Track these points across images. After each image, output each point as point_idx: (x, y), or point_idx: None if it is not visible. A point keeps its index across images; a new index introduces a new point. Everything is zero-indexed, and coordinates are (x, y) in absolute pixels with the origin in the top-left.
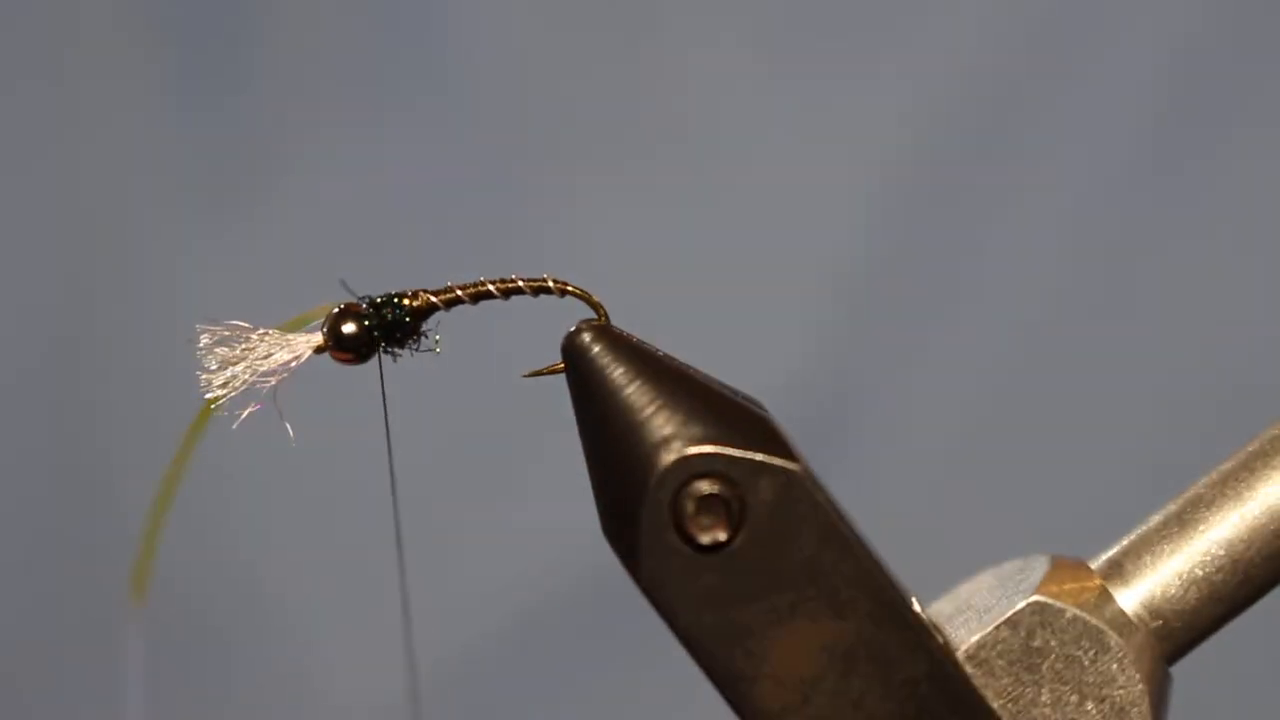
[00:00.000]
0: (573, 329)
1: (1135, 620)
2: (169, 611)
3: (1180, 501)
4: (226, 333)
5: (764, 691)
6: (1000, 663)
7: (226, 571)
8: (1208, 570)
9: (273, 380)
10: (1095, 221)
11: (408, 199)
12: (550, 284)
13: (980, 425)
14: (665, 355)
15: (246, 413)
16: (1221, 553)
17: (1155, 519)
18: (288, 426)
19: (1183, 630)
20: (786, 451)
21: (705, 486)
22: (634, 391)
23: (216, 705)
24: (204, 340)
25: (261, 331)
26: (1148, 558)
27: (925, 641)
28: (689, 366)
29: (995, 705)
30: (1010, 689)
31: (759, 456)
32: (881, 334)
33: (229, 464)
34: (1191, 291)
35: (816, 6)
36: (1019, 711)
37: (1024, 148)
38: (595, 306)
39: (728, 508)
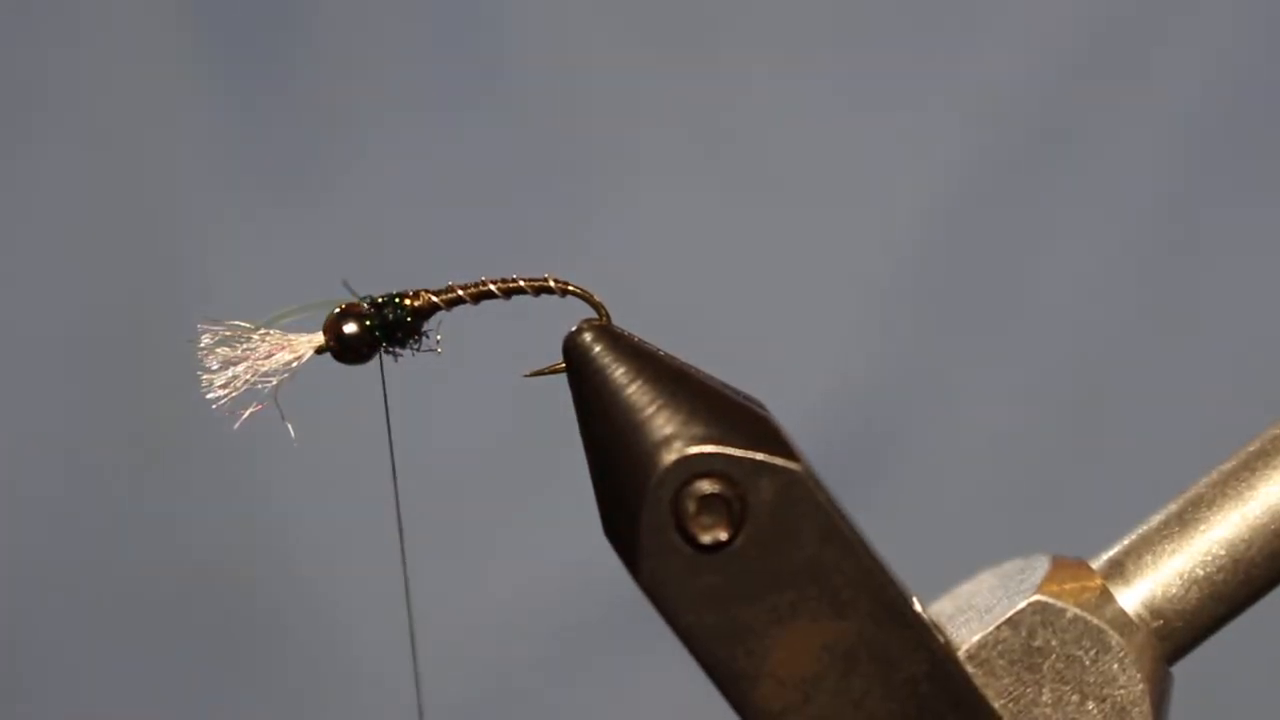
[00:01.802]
0: (574, 328)
1: (1136, 620)
2: (215, 601)
3: (1181, 501)
4: (228, 333)
5: (765, 691)
6: (1001, 662)
7: (273, 560)
8: (1209, 570)
9: (274, 380)
10: (1151, 238)
11: (460, 191)
12: (551, 283)
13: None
14: (666, 355)
15: (248, 413)
16: (1222, 552)
17: (1156, 518)
18: (289, 427)
19: (1184, 630)
20: (787, 451)
21: (706, 486)
22: (635, 391)
23: (265, 691)
24: (205, 340)
25: (263, 331)
26: (1149, 557)
27: (926, 641)
28: (690, 366)
29: (996, 705)
30: (1011, 688)
31: (760, 456)
32: (932, 346)
33: (271, 451)
34: (1242, 302)
35: (874, 14)
36: (1020, 711)
37: (1083, 159)
38: (596, 306)
39: (729, 507)
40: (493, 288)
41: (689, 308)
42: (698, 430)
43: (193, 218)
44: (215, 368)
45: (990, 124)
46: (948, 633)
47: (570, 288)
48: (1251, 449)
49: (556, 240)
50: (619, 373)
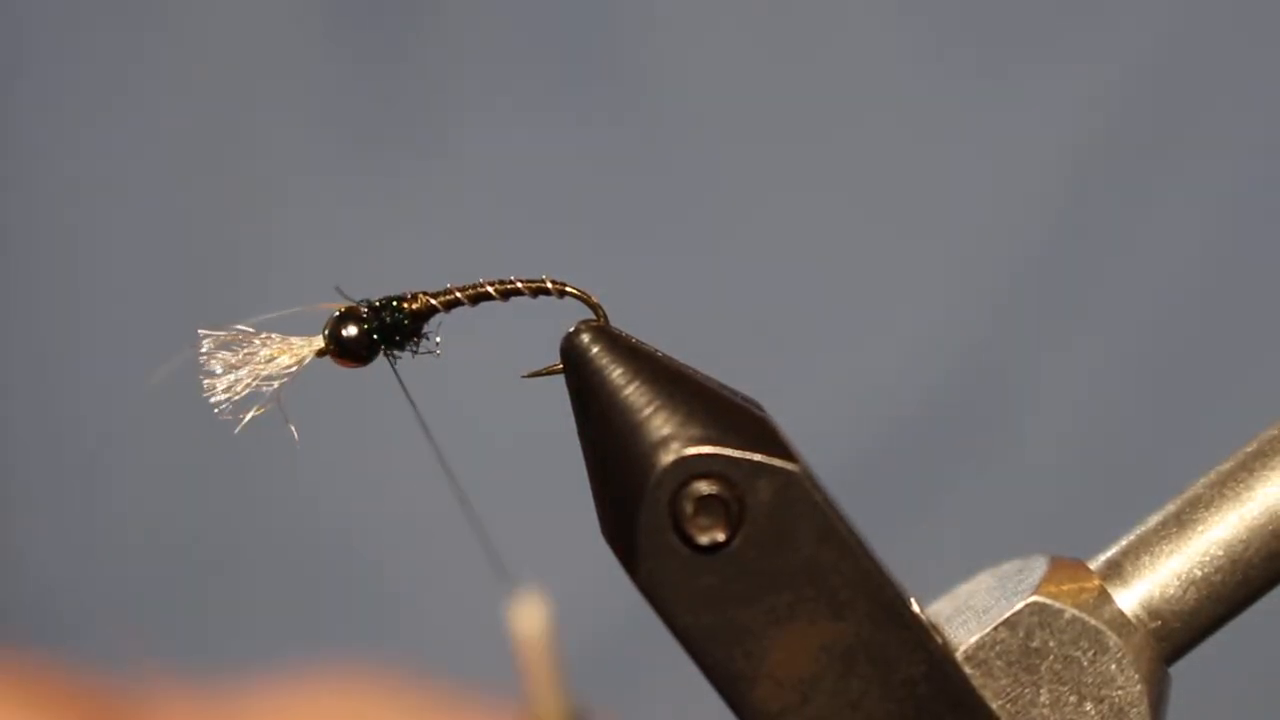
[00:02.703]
0: (571, 329)
1: (1134, 621)
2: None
3: (1179, 502)
4: (229, 337)
5: (763, 692)
6: (999, 663)
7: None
8: (1207, 571)
9: (275, 384)
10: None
11: (561, 177)
12: (549, 285)
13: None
14: (664, 356)
15: (250, 416)
16: (1220, 553)
17: (1154, 519)
18: (292, 430)
19: (1182, 631)
20: (785, 452)
21: (704, 487)
22: (632, 392)
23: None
24: (206, 345)
25: (264, 336)
26: (1146, 558)
27: (924, 642)
28: (688, 367)
29: (994, 706)
30: (1009, 689)
31: (758, 457)
32: (1023, 339)
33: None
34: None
35: (972, 12)
36: (1018, 712)
37: (1177, 153)
38: (594, 307)
39: (726, 508)
40: (490, 289)
41: (776, 300)
42: (695, 431)
43: (297, 177)
44: (217, 372)
45: (1106, 103)
46: (946, 634)
47: (568, 289)
48: (1249, 450)
49: (665, 235)
50: (616, 374)
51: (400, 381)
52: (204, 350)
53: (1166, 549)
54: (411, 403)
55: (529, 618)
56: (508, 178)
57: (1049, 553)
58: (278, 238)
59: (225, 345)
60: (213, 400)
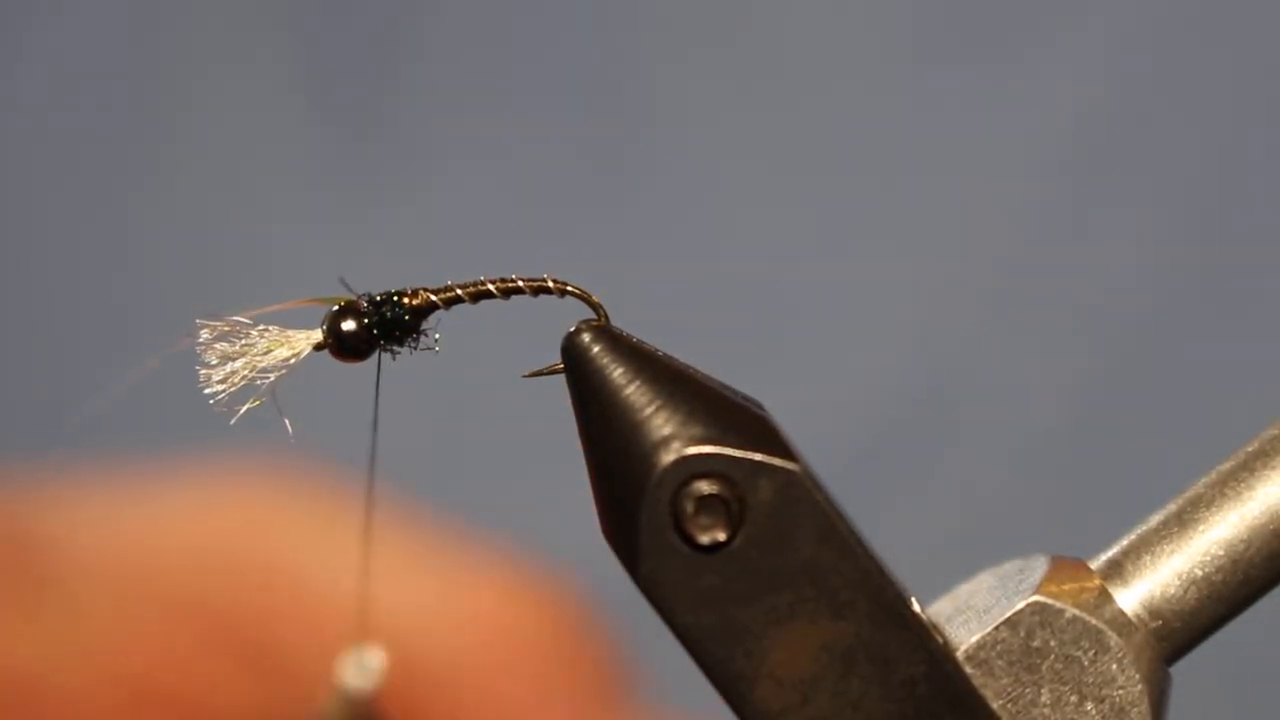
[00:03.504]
0: (572, 329)
1: (1135, 620)
2: None
3: (1180, 501)
4: (226, 328)
5: (763, 692)
6: (1000, 663)
7: None
8: (1207, 570)
9: (272, 376)
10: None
11: (531, 197)
12: (550, 284)
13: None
14: (665, 355)
15: (245, 408)
16: (1221, 553)
17: (1155, 519)
18: (287, 423)
19: (1182, 630)
20: (786, 451)
21: (705, 486)
22: (633, 391)
23: None
24: (204, 335)
25: (261, 327)
26: (1147, 558)
27: (925, 642)
28: (688, 366)
29: (995, 705)
30: (1010, 689)
31: (758, 456)
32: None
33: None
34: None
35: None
36: (1018, 712)
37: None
38: (595, 306)
39: (727, 508)
40: (491, 287)
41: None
42: (696, 430)
43: (274, 206)
44: (214, 363)
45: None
46: (946, 633)
47: (569, 288)
48: (1250, 449)
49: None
50: (617, 373)
51: (378, 377)
52: (201, 340)
53: (1167, 548)
54: (377, 400)
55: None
56: (493, 178)
57: (1049, 552)
58: (256, 247)
59: (223, 336)
60: (208, 391)
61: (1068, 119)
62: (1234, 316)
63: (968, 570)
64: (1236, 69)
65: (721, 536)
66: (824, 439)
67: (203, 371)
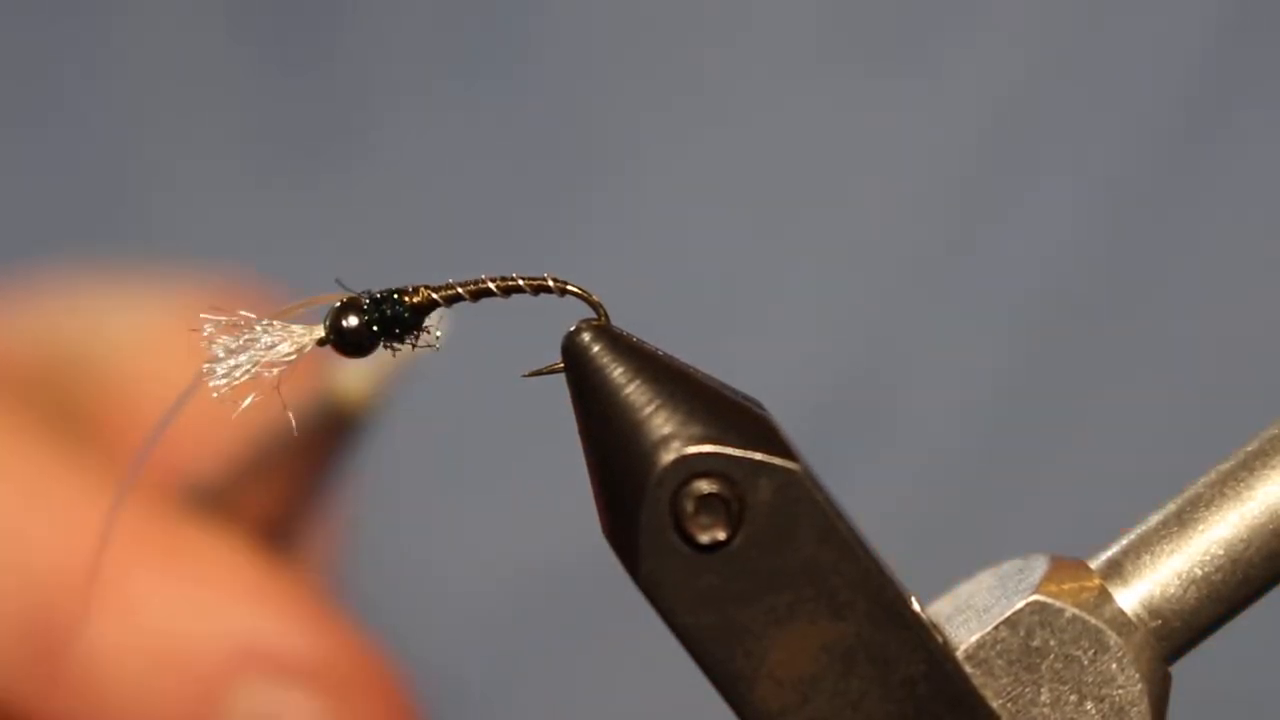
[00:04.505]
0: (572, 328)
1: (1134, 620)
2: None
3: (1179, 501)
4: (231, 322)
5: (763, 692)
6: (1000, 662)
7: None
8: (1207, 570)
9: (275, 371)
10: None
11: (475, 178)
12: (550, 283)
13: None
14: (665, 355)
15: (247, 402)
16: (1221, 552)
17: (1154, 518)
18: (290, 416)
19: (1182, 630)
20: (786, 451)
21: (705, 486)
22: (633, 391)
23: None
24: (208, 329)
25: (266, 322)
26: (1147, 557)
27: (924, 641)
28: (688, 366)
29: (995, 705)
30: (1009, 689)
31: (758, 456)
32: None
33: None
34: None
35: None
36: (1018, 711)
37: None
38: (595, 306)
39: (727, 507)
40: (491, 286)
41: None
42: (696, 430)
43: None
44: (218, 356)
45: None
46: (946, 633)
47: (569, 287)
48: (1250, 449)
49: (572, 237)
50: (617, 372)
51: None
52: (206, 333)
53: (1167, 548)
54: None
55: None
56: (433, 175)
57: (1049, 551)
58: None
59: (227, 330)
60: (211, 384)
61: (981, 116)
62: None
63: (953, 566)
64: (1153, 52)
65: (721, 536)
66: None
67: (206, 365)
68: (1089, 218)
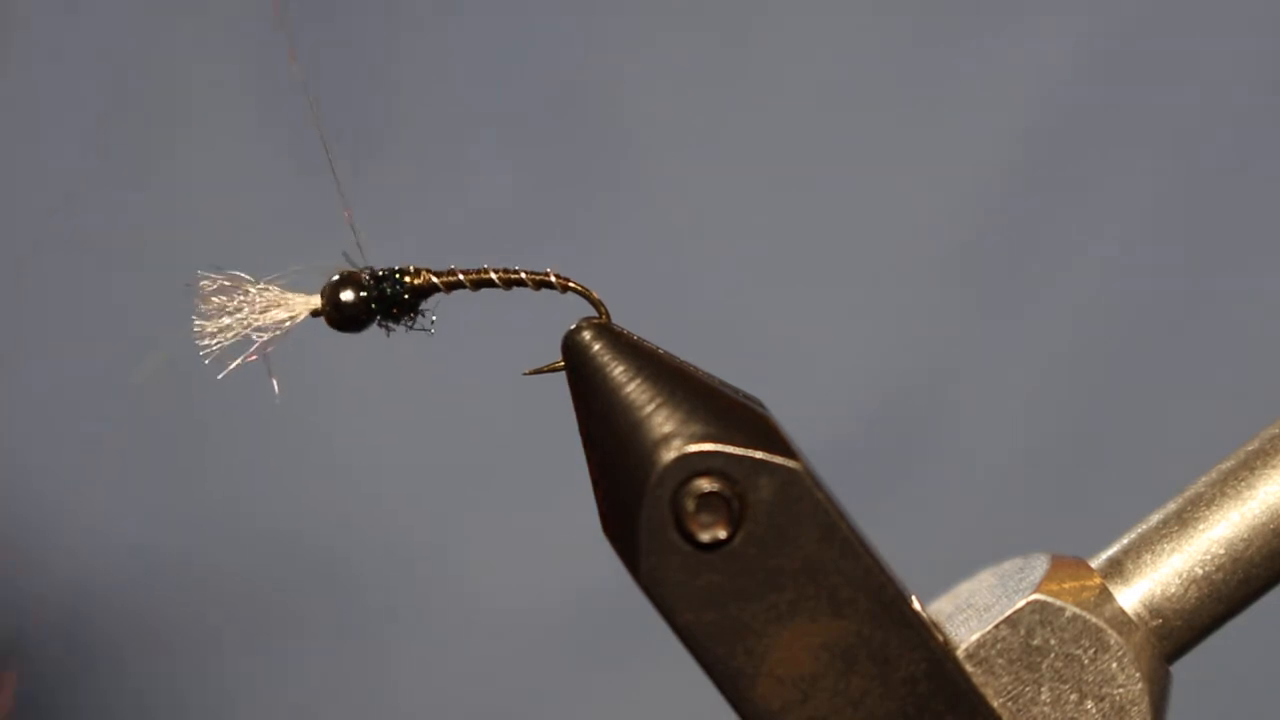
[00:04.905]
0: (573, 326)
1: (1135, 619)
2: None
3: (1180, 500)
4: (227, 283)
5: (763, 689)
6: (1000, 661)
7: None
8: (1208, 569)
9: (266, 336)
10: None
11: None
12: (553, 278)
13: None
14: (665, 353)
15: (236, 364)
16: (1221, 551)
17: (1155, 517)
18: (274, 383)
19: (1183, 629)
20: (786, 449)
21: (705, 484)
22: (634, 389)
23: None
24: (204, 287)
25: (261, 286)
26: (1148, 556)
27: (925, 640)
28: (689, 364)
29: (995, 704)
30: (1010, 687)
31: (759, 454)
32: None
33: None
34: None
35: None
36: (1019, 710)
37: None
38: (596, 304)
39: (728, 505)
40: (494, 276)
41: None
42: (697, 428)
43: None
44: (210, 315)
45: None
46: (947, 631)
47: (571, 284)
48: (1251, 448)
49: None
50: (618, 371)
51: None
52: (201, 292)
53: (1168, 547)
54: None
55: None
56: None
57: (1050, 551)
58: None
59: (222, 291)
60: (202, 343)
61: (1029, 111)
62: (1230, 306)
63: (964, 568)
64: (1212, 55)
65: (722, 534)
66: (814, 436)
67: (198, 322)
68: (1138, 231)
